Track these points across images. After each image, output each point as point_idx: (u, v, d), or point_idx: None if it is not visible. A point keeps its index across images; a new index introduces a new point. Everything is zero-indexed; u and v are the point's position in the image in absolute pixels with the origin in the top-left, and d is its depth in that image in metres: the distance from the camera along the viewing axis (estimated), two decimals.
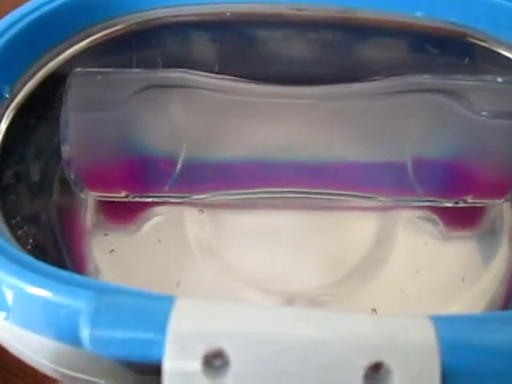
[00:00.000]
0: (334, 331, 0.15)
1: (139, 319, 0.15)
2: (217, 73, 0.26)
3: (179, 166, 0.25)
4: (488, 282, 0.25)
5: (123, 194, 0.25)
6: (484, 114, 0.24)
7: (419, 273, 0.25)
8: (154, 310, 0.15)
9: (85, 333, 0.15)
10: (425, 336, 0.15)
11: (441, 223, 0.27)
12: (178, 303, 0.16)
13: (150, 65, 0.27)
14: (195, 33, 0.27)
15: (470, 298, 0.25)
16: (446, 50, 0.27)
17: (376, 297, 0.25)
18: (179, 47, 0.27)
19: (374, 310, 0.24)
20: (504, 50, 0.26)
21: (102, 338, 0.15)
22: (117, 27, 0.26)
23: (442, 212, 0.26)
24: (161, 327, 0.15)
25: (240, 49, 0.27)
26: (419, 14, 0.26)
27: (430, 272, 0.25)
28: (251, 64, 0.28)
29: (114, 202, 0.26)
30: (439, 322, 0.15)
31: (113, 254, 0.26)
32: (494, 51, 0.26)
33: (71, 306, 0.16)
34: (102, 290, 0.16)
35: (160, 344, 0.15)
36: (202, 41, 0.27)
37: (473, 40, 0.26)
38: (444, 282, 0.25)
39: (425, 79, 0.25)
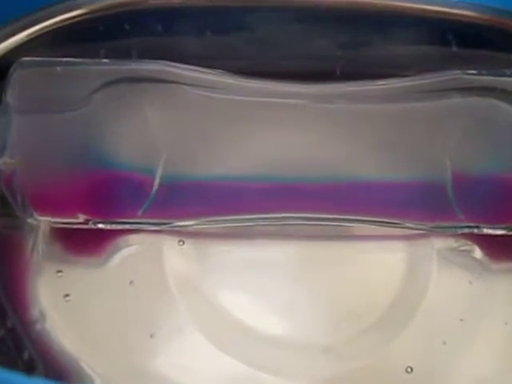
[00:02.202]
0: None
1: None
2: (203, 66, 0.23)
3: (156, 184, 0.22)
4: None
5: (81, 218, 0.23)
6: None
7: (464, 322, 0.23)
8: None
9: None
10: None
11: (483, 255, 0.24)
12: None
13: (122, 55, 0.24)
14: (177, 19, 0.25)
15: None
16: (486, 42, 0.24)
17: (411, 351, 0.23)
18: (158, 35, 0.25)
19: (410, 367, 0.22)
20: None
21: None
22: (81, 10, 0.24)
23: (483, 240, 0.24)
24: None
25: (232, 39, 0.25)
26: None
27: (478, 319, 0.23)
28: (247, 57, 0.25)
29: (72, 229, 0.24)
30: None
31: (68, 298, 0.23)
32: None
33: None
34: None
35: None
36: (185, 29, 0.25)
37: None
38: (496, 333, 0.23)
39: (469, 76, 0.23)
